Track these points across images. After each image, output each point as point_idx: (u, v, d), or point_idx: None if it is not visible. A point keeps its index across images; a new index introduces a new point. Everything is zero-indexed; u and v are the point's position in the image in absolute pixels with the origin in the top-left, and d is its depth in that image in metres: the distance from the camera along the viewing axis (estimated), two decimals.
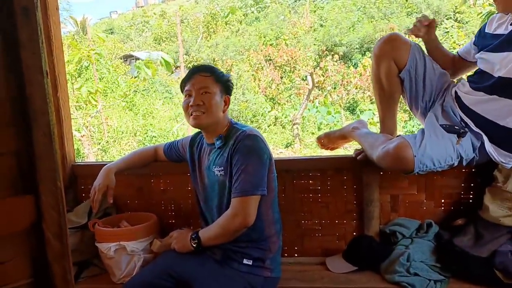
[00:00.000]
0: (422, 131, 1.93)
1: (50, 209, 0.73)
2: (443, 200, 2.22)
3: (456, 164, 1.94)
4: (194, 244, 1.77)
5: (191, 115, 1.80)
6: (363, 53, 18.33)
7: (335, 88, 13.43)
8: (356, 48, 18.99)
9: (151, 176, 2.29)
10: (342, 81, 13.07)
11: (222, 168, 1.78)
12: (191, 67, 2.06)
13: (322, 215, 2.26)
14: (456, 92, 1.99)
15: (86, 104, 7.27)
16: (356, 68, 13.65)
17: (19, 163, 0.72)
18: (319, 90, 13.41)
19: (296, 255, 2.28)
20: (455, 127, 1.93)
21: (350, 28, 19.97)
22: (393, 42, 2.01)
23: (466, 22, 17.19)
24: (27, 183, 0.72)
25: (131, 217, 2.21)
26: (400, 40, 2.02)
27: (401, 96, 2.15)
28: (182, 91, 1.88)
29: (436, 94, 2.07)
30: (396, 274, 1.92)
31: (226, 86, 1.85)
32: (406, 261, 1.96)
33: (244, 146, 1.72)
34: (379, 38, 2.10)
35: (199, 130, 1.93)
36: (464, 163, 1.95)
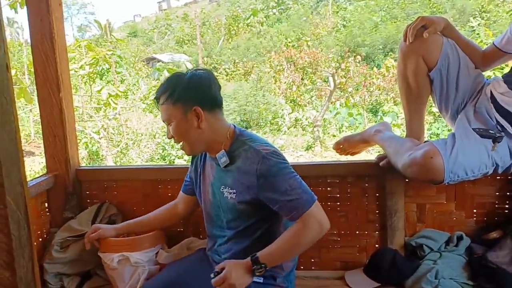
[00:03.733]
0: (453, 136, 1.74)
1: None
2: (475, 210, 2.02)
3: (491, 172, 1.75)
4: (259, 272, 1.46)
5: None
6: (386, 53, 17.98)
7: (357, 89, 13.16)
8: (379, 49, 18.65)
9: (158, 182, 2.16)
10: (365, 82, 12.79)
11: (234, 191, 1.57)
12: (212, 69, 1.86)
13: (341, 225, 2.08)
14: (491, 92, 1.80)
15: (106, 107, 7.25)
16: (379, 69, 13.35)
17: None
18: (341, 91, 13.16)
19: (313, 268, 2.11)
20: (490, 131, 1.74)
21: (373, 28, 19.64)
22: (422, 36, 1.81)
23: (494, 22, 16.65)
24: None
25: None
26: (430, 35, 1.82)
27: (429, 96, 1.96)
28: None
29: (469, 96, 1.88)
30: None
31: (187, 98, 1.52)
32: (434, 278, 1.77)
33: (269, 168, 1.48)
34: None
35: None
36: (500, 171, 1.75)
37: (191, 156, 1.81)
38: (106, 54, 6.33)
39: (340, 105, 12.88)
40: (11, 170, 0.65)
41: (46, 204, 2.12)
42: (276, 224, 1.61)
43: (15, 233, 0.64)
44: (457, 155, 1.65)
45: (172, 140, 1.61)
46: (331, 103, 12.90)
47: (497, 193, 2.00)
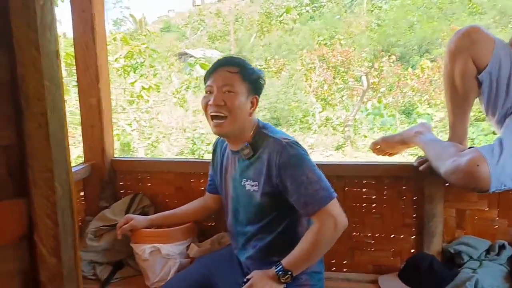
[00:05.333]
0: (500, 142, 1.65)
1: (45, 217, 0.59)
2: None
3: None
4: (285, 279, 1.47)
5: (212, 120, 1.55)
6: (421, 54, 17.53)
7: (390, 90, 12.88)
8: (414, 49, 18.20)
9: (191, 175, 2.16)
10: (398, 83, 12.50)
11: (256, 183, 1.56)
12: None
13: (376, 227, 2.03)
14: None
15: (139, 99, 7.34)
16: (414, 69, 13.03)
17: (9, 161, 0.58)
18: (373, 91, 12.92)
19: (345, 270, 2.06)
20: None
21: (408, 28, 19.19)
22: (473, 36, 1.71)
23: None
24: (17, 185, 0.58)
25: None
26: (482, 34, 1.71)
27: (475, 99, 1.88)
28: (205, 84, 1.61)
29: None
30: None
31: (255, 85, 1.58)
32: (473, 287, 1.70)
33: (289, 158, 1.48)
34: (456, 32, 1.81)
35: None
36: None
37: (212, 151, 1.85)
38: (141, 47, 6.40)
39: (372, 106, 12.65)
40: (58, 157, 0.65)
41: (82, 193, 2.16)
42: (299, 218, 1.59)
43: (61, 220, 0.63)
44: (505, 163, 1.58)
45: (212, 108, 1.53)
46: (363, 103, 12.69)
47: None
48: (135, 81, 6.77)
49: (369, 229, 2.04)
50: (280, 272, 1.46)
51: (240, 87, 1.54)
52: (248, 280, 1.49)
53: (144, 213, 2.13)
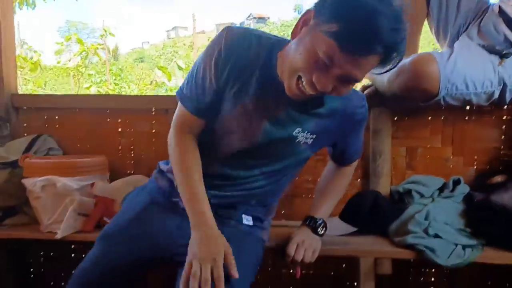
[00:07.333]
0: (450, 48, 1.47)
1: None
2: (475, 157, 1.72)
3: (497, 94, 1.48)
4: (322, 229, 1.33)
5: (297, 84, 1.01)
6: None
7: None
8: None
9: (107, 115, 1.86)
10: None
11: (314, 136, 1.18)
12: None
13: (317, 170, 1.76)
14: (500, 7, 1.53)
15: None
16: None
17: None
18: None
19: (283, 220, 1.78)
20: (497, 47, 1.47)
21: None
22: None
23: None
24: None
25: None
26: None
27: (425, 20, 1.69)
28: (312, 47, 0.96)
29: (472, 17, 1.60)
30: (409, 235, 1.41)
31: None
32: (424, 219, 1.44)
33: (367, 113, 1.26)
34: None
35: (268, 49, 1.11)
36: (508, 96, 1.48)
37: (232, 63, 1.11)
38: (97, 47, 6.13)
39: None
40: None
41: None
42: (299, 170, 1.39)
43: None
44: (456, 61, 1.39)
45: (311, 87, 0.99)
46: None
47: (503, 137, 1.70)
48: (90, 86, 6.45)
49: (310, 173, 1.78)
50: (315, 224, 1.33)
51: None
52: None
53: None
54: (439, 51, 1.48)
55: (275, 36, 1.15)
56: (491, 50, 1.46)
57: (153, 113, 1.83)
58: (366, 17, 0.88)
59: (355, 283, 1.82)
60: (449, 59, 1.37)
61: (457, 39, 1.58)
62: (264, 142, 1.16)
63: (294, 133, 1.17)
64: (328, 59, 0.93)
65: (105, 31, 6.26)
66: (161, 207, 1.27)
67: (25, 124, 1.89)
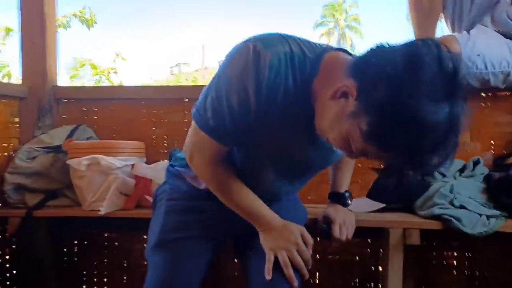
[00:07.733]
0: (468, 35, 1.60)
1: None
2: (492, 142, 1.81)
3: None
4: (350, 199, 1.44)
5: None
6: None
7: None
8: None
9: (142, 106, 1.97)
10: None
11: None
12: None
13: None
14: None
15: None
16: None
17: None
18: None
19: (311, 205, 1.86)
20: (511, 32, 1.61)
21: None
22: None
23: None
24: None
25: None
26: None
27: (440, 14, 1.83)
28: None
29: (485, 8, 1.74)
30: (435, 206, 1.49)
31: None
32: (449, 192, 1.52)
33: None
34: None
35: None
36: None
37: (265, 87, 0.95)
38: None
39: None
40: None
41: (17, 119, 1.93)
42: None
43: None
44: (475, 42, 1.52)
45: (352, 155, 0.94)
46: None
47: None
48: None
49: None
50: (346, 195, 1.42)
51: None
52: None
53: None
54: (458, 34, 1.60)
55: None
56: (506, 35, 1.59)
57: (186, 103, 1.94)
58: (418, 156, 0.78)
59: (380, 268, 1.87)
60: (469, 41, 1.50)
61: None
62: (305, 159, 1.15)
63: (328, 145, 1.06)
64: (362, 154, 0.88)
65: (117, 55, 6.45)
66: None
67: (64, 116, 2.01)
